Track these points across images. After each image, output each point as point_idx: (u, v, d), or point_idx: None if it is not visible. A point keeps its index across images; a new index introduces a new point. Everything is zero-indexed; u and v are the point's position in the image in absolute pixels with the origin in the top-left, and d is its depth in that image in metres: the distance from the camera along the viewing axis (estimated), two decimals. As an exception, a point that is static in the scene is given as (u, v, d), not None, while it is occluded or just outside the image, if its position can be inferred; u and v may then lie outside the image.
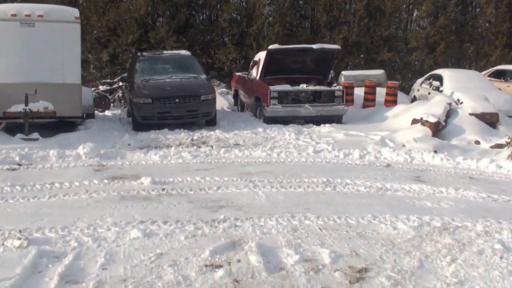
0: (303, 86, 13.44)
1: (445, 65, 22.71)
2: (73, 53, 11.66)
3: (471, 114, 11.76)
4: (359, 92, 16.95)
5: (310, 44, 14.32)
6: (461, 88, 13.94)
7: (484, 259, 4.97)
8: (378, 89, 16.93)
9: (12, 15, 11.23)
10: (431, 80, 16.23)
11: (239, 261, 4.81)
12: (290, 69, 14.34)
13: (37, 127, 11.36)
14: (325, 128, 12.44)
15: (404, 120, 12.23)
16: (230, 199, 6.81)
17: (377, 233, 5.61)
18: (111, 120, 14.23)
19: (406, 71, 23.65)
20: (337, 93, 13.52)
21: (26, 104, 11.03)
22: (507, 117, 12.62)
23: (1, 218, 5.96)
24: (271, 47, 13.59)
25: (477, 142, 10.71)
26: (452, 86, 14.55)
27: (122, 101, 17.58)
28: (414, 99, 17.01)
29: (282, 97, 13.21)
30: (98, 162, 9.00)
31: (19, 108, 11.11)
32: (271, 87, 13.18)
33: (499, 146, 10.31)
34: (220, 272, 4.52)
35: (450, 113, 11.71)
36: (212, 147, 10.09)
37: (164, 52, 15.58)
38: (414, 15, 24.74)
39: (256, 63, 14.93)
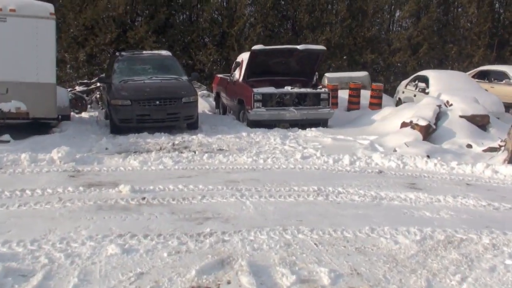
0: (288, 89, 13.00)
1: (428, 66, 22.53)
2: (47, 50, 11.07)
3: (461, 117, 11.45)
4: (342, 94, 16.61)
5: (294, 45, 13.88)
6: (448, 90, 13.64)
7: (497, 277, 4.57)
8: (362, 92, 16.63)
9: (-18, 9, 10.63)
10: (416, 82, 15.91)
11: (229, 282, 4.33)
12: (273, 71, 13.89)
13: (8, 128, 10.78)
14: (311, 132, 12.01)
15: (392, 124, 11.87)
16: (216, 209, 6.31)
17: (378, 248, 5.17)
18: (88, 123, 13.62)
19: (388, 73, 23.39)
20: (322, 96, 13.10)
21: (-3, 104, 10.43)
22: (497, 119, 12.32)
23: (-36, 231, 5.41)
24: (255, 47, 13.12)
25: (469, 146, 10.38)
26: (439, 88, 14.24)
27: (99, 103, 16.98)
28: (399, 102, 16.70)
29: (267, 100, 12.75)
30: (73, 168, 8.43)
31: (-12, 108, 10.49)
32: (255, 90, 12.71)
33: (492, 149, 10.00)
34: (209, 297, 4.04)
35: (439, 115, 11.40)
36: (195, 153, 9.58)
37: (144, 52, 14.98)
38: (397, 15, 24.49)
39: (239, 64, 14.44)
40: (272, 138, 11.21)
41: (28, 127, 11.32)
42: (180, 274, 4.43)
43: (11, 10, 10.71)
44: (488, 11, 24.31)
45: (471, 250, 5.18)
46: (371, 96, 16.23)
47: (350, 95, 16.31)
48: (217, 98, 16.42)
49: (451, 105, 11.90)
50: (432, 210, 6.52)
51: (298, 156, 9.33)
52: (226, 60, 21.45)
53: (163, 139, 11.05)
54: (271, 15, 21.82)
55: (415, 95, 15.46)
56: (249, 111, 12.65)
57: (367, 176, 8.29)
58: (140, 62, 13.58)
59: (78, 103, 15.92)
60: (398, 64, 23.37)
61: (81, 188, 7.12)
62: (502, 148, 9.51)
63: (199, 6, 22.19)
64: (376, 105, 15.94)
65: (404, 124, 11.16)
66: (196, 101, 12.37)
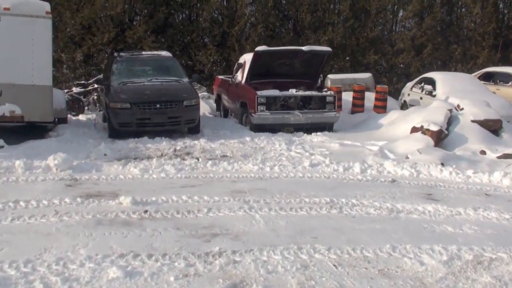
0: (293, 91, 12.56)
1: (431, 67, 22.14)
2: (43, 51, 10.63)
3: (473, 121, 11.03)
4: (346, 97, 16.17)
5: (296, 46, 13.47)
6: (456, 92, 13.25)
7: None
8: (366, 94, 16.20)
9: (-25, 7, 10.18)
10: (422, 84, 15.48)
11: (244, 312, 3.92)
12: (277, 73, 13.44)
13: (1, 132, 10.37)
14: (317, 137, 11.58)
15: (401, 128, 11.44)
16: (224, 224, 5.89)
17: (402, 270, 4.77)
18: (85, 126, 13.16)
19: (391, 74, 22.96)
20: (328, 99, 12.67)
21: (-10, 107, 9.99)
22: (507, 123, 11.91)
23: (-49, 251, 4.98)
24: (258, 48, 12.67)
25: (483, 152, 9.96)
26: (446, 90, 13.83)
27: (97, 104, 16.52)
28: (404, 104, 16.30)
29: (271, 103, 12.30)
30: (70, 176, 7.99)
31: (-19, 111, 10.05)
32: (259, 92, 12.26)
33: (507, 156, 9.62)
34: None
35: (450, 120, 10.97)
36: (198, 160, 9.14)
37: (143, 52, 14.51)
38: (400, 15, 24.07)
39: (241, 66, 13.99)
40: (277, 144, 10.78)
41: (23, 130, 10.88)
42: (189, 303, 4.02)
43: (5, 8, 10.26)
44: (492, 11, 23.92)
45: (503, 272, 4.79)
46: (376, 99, 15.78)
47: (354, 98, 15.85)
48: (218, 100, 15.97)
49: (462, 109, 11.49)
50: (454, 224, 6.12)
51: (306, 164, 8.90)
52: (227, 61, 20.99)
53: (164, 144, 10.61)
54: (272, 14, 21.35)
55: (421, 98, 15.05)
56: (253, 114, 12.22)
57: (380, 186, 7.87)
58: (139, 63, 13.12)
59: (75, 105, 15.47)
60: (401, 65, 22.94)
61: (78, 199, 6.69)
62: (519, 154, 9.13)
63: (199, 5, 21.71)
64: (380, 107, 15.51)
65: (414, 129, 10.74)
66: (198, 104, 11.92)
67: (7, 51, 10.32)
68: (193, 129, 11.93)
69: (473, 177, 8.43)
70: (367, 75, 18.81)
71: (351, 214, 6.43)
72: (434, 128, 10.30)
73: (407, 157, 9.34)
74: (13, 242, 5.23)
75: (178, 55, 18.93)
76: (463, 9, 24.99)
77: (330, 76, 18.36)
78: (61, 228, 5.66)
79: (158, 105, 11.31)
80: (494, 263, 4.98)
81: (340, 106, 15.15)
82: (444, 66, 22.94)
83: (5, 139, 9.86)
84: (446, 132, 10.44)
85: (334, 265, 4.80)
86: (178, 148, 10.27)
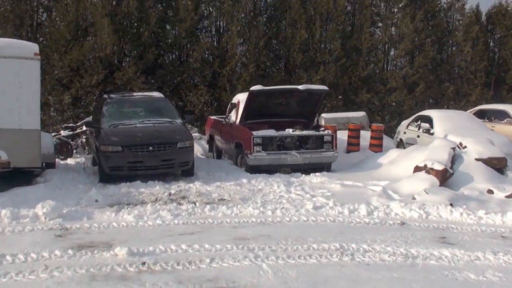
0: (289, 131, 12.21)
1: (424, 105, 22.03)
2: (31, 94, 10.20)
3: (477, 160, 10.70)
4: (340, 135, 15.85)
5: (288, 85, 13.19)
6: (454, 130, 12.96)
7: None
8: (361, 133, 15.92)
9: (-40, 49, 9.80)
10: (419, 122, 15.21)
11: None
12: (272, 112, 13.10)
13: (-14, 180, 9.82)
14: (316, 178, 11.18)
15: (403, 167, 11.07)
16: (230, 277, 5.42)
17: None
18: (74, 170, 12.63)
19: (384, 113, 22.78)
20: (326, 138, 12.32)
21: (-26, 153, 9.48)
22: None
23: None
24: (253, 88, 12.35)
25: (490, 191, 9.59)
26: (445, 128, 13.53)
27: (86, 148, 16.04)
28: (400, 143, 16.00)
29: (267, 144, 11.91)
30: (60, 225, 7.48)
31: (-35, 158, 9.54)
32: (254, 133, 11.89)
33: (516, 195, 9.25)
34: None
35: (454, 158, 10.62)
36: (195, 204, 8.67)
37: (134, 94, 14.10)
38: (391, 54, 24.05)
39: (235, 105, 13.65)
40: (276, 185, 10.36)
41: (9, 176, 10.35)
42: None
43: (-9, 50, 9.90)
44: (483, 49, 24.05)
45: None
46: (372, 137, 15.48)
47: (349, 136, 15.55)
48: (211, 141, 15.56)
49: (464, 147, 11.17)
50: (476, 271, 5.70)
51: (309, 207, 8.47)
52: (218, 101, 20.69)
53: (157, 188, 10.15)
54: (263, 54, 21.18)
55: (418, 136, 14.75)
56: (248, 155, 11.81)
57: (390, 229, 7.45)
58: (130, 104, 12.69)
59: (63, 149, 14.94)
60: (394, 104, 22.79)
61: (70, 252, 6.18)
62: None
63: (189, 45, 21.49)
64: (376, 146, 15.20)
65: (417, 168, 10.37)
66: (192, 146, 11.51)
67: (-6, 94, 9.91)
68: (187, 171, 11.47)
69: (485, 218, 8.04)
70: (361, 114, 18.57)
71: (365, 261, 5.99)
72: (439, 167, 9.94)
73: (413, 198, 8.94)
74: (-2, 302, 4.74)
75: (168, 96, 18.50)
76: (454, 48, 25.10)
77: (323, 115, 18.08)
78: (51, 286, 5.16)
79: (151, 148, 10.89)
80: (529, 316, 4.55)
81: (335, 146, 14.83)
82: (437, 104, 22.86)
83: (-11, 186, 9.39)
84: (451, 171, 10.09)
85: (357, 323, 4.35)
86: (173, 192, 9.81)
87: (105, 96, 13.32)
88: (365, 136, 15.85)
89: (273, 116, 13.12)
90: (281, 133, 12.11)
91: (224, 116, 14.87)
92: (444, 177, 9.87)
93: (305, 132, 12.33)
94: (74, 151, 15.66)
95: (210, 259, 5.95)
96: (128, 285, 5.16)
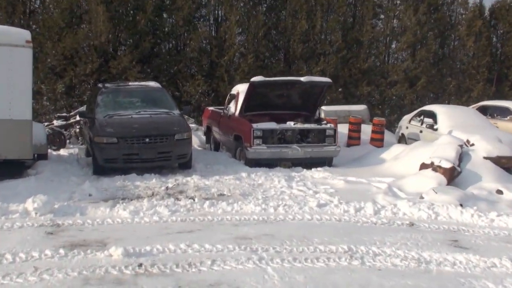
0: (291, 124, 11.81)
1: (425, 99, 21.70)
2: (23, 83, 9.78)
3: (485, 158, 10.33)
4: (340, 129, 15.48)
5: (287, 76, 12.77)
6: (459, 127, 12.60)
7: None
8: (362, 126, 15.56)
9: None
10: (422, 117, 14.85)
11: None
12: (273, 104, 12.70)
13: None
14: (318, 173, 10.80)
15: (408, 164, 10.70)
16: (233, 281, 5.05)
17: None
18: (67, 162, 12.21)
19: (384, 106, 22.43)
20: (328, 132, 11.93)
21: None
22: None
23: None
24: (254, 79, 11.92)
25: (500, 192, 9.22)
26: (449, 124, 13.17)
27: (79, 138, 15.62)
28: (402, 137, 15.67)
29: (267, 137, 11.51)
30: (51, 221, 7.10)
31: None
32: (254, 125, 11.49)
33: (527, 196, 8.90)
34: None
35: (461, 156, 10.26)
36: (194, 199, 8.28)
37: (130, 83, 13.62)
38: (393, 47, 23.67)
39: (234, 97, 13.25)
40: (276, 180, 9.99)
41: (-2, 169, 9.95)
42: None
43: (-19, 37, 9.46)
44: (486, 44, 23.73)
45: None
46: (373, 131, 15.13)
47: (350, 130, 15.21)
48: (208, 132, 15.16)
49: (472, 144, 10.81)
50: (494, 279, 5.34)
51: (313, 204, 8.10)
52: (215, 92, 20.28)
53: (154, 181, 9.76)
54: (262, 44, 20.78)
55: (421, 131, 14.41)
56: (248, 148, 11.42)
57: (399, 230, 7.09)
58: (126, 94, 12.22)
59: (56, 139, 14.50)
60: (394, 97, 22.44)
61: (61, 251, 5.78)
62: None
63: (186, 34, 21.05)
64: (377, 140, 14.85)
65: (423, 166, 9.99)
66: (190, 138, 11.12)
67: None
68: (185, 164, 11.08)
69: (497, 220, 7.66)
70: (362, 107, 18.23)
71: (376, 266, 5.63)
72: (447, 165, 9.57)
73: (421, 197, 8.57)
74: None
75: (164, 86, 18.04)
76: (456, 42, 24.76)
77: (323, 107, 17.70)
78: (40, 290, 4.78)
79: (147, 139, 10.48)
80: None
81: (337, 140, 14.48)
82: (438, 99, 22.53)
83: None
84: (459, 169, 9.72)
85: (373, 337, 3.99)
86: (170, 186, 9.43)
87: (100, 85, 12.85)
88: (366, 130, 15.51)
89: (274, 108, 12.72)
90: (282, 125, 11.71)
91: (223, 107, 14.47)
92: (452, 176, 9.51)
93: (307, 125, 11.94)
94: (67, 141, 15.24)
95: (211, 261, 5.58)
96: (124, 290, 4.78)
